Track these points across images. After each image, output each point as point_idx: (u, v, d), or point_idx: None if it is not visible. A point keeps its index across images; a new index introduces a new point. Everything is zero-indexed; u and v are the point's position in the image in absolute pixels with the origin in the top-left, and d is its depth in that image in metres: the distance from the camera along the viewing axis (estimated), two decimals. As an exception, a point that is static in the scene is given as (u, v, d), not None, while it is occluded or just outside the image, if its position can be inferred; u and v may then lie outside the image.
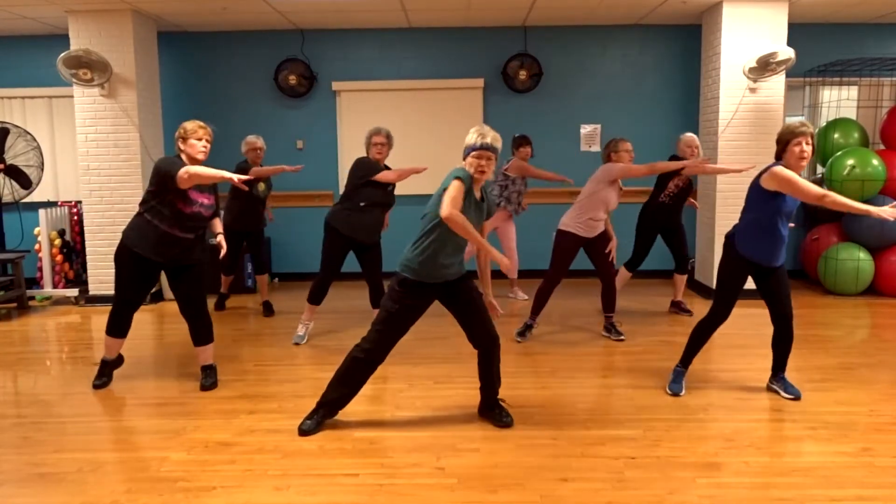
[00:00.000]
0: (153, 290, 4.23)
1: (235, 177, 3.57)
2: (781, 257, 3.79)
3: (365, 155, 4.93)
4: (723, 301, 3.84)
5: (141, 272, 4.00)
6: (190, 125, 3.90)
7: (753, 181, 3.75)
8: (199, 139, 3.86)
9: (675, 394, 3.90)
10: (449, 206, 3.12)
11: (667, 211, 5.65)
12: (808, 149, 3.56)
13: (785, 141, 3.63)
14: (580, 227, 4.94)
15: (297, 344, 5.07)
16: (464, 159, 3.29)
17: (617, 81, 7.40)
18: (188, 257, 4.03)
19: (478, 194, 3.34)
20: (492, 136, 3.23)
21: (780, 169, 3.58)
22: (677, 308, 5.98)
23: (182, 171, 3.66)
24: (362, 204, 4.85)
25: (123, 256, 3.99)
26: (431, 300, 3.42)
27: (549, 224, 7.42)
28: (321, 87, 7.41)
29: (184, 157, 3.89)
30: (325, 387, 3.51)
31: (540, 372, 4.41)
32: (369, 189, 4.85)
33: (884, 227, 6.35)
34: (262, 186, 5.88)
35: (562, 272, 5.00)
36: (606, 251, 5.02)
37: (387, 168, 4.96)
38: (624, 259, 5.90)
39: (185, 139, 3.87)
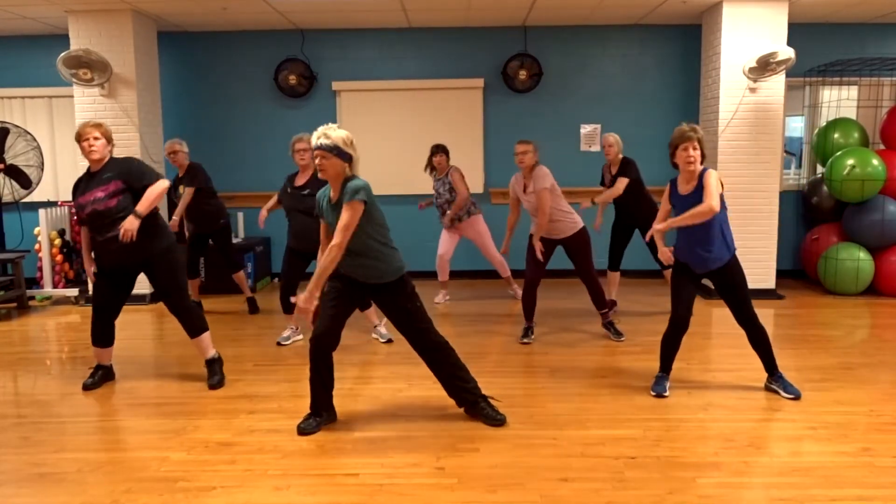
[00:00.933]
0: (127, 296, 4.14)
1: (88, 269, 4.04)
2: (710, 261, 3.78)
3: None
4: (674, 305, 3.89)
5: (103, 280, 4.03)
6: (81, 126, 3.93)
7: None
8: (86, 140, 3.88)
9: (660, 395, 3.90)
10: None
11: (624, 210, 5.63)
12: (694, 154, 3.63)
13: (674, 146, 3.72)
14: (545, 229, 4.95)
15: (280, 344, 5.08)
16: None
17: (617, 81, 7.40)
18: (135, 257, 3.95)
19: (334, 195, 3.39)
20: (319, 132, 3.28)
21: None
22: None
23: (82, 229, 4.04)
24: (288, 217, 4.96)
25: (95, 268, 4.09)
26: (353, 293, 3.53)
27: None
28: (321, 87, 7.41)
29: None
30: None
31: (540, 372, 4.41)
32: (283, 200, 4.98)
33: (884, 227, 6.36)
34: (181, 189, 5.83)
35: (535, 274, 4.99)
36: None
37: (314, 174, 4.91)
38: (604, 261, 5.91)
39: (77, 142, 3.94)
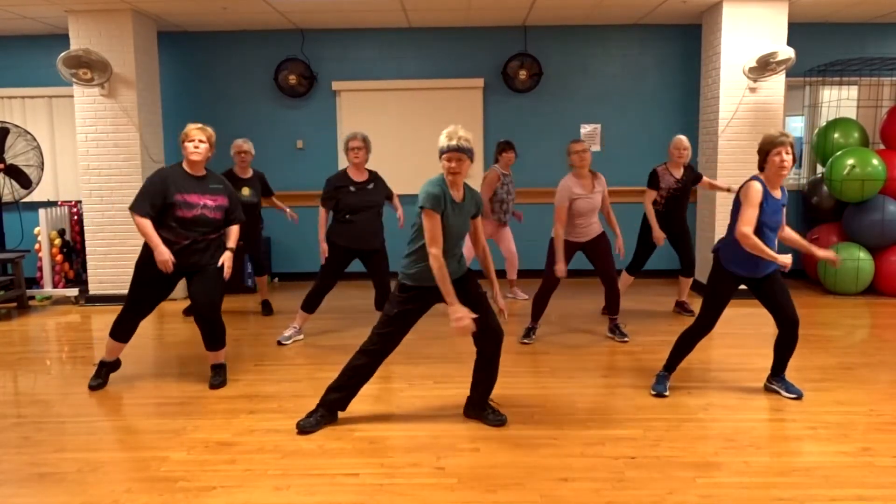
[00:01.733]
0: (166, 297, 4.16)
1: (163, 256, 3.85)
2: (769, 266, 3.76)
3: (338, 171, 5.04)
4: (709, 313, 3.84)
5: (157, 282, 4.01)
6: (188, 127, 3.96)
7: (736, 195, 3.76)
8: (191, 140, 3.91)
9: (660, 394, 3.90)
10: (430, 246, 3.20)
11: (664, 217, 5.56)
12: (787, 158, 3.59)
13: (765, 151, 3.66)
14: (568, 232, 4.92)
15: (280, 343, 5.08)
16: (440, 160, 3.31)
17: (617, 81, 7.40)
18: (200, 261, 4.01)
19: (458, 195, 3.33)
20: (458, 138, 3.20)
21: (751, 185, 3.63)
22: (681, 308, 5.98)
23: (135, 216, 3.88)
24: (347, 216, 4.86)
25: (142, 266, 4.01)
26: (433, 303, 3.42)
27: (547, 224, 7.41)
28: (321, 86, 7.41)
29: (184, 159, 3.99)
30: (326, 387, 3.52)
31: (540, 372, 4.41)
32: (344, 199, 4.86)
33: (884, 227, 6.36)
34: (246, 191, 5.82)
35: (556, 279, 4.96)
36: (615, 251, 5.02)
37: (370, 173, 4.97)
38: (626, 262, 5.88)
39: (182, 141, 3.96)
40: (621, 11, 6.70)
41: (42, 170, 6.73)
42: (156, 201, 3.88)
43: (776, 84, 6.38)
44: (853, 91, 7.20)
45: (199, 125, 3.98)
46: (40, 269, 6.74)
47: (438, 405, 3.77)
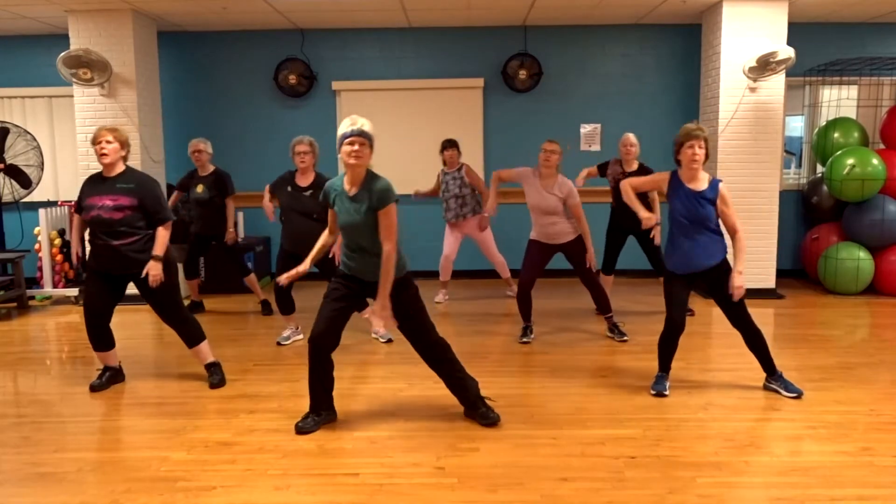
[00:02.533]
0: (118, 300, 4.12)
1: (74, 250, 4.12)
2: (699, 261, 3.80)
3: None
4: (669, 310, 3.92)
5: (93, 284, 4.01)
6: (97, 129, 3.96)
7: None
8: (97, 143, 3.89)
9: (660, 393, 3.90)
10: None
11: (625, 215, 5.50)
12: (700, 152, 3.67)
13: (679, 143, 3.74)
14: (538, 234, 5.00)
15: (279, 344, 5.08)
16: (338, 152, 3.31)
17: (617, 81, 7.39)
18: (126, 266, 3.92)
19: (352, 189, 3.32)
20: (363, 122, 3.22)
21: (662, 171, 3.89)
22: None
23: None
24: (282, 218, 4.96)
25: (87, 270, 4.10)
26: (358, 294, 3.52)
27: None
28: (321, 86, 7.41)
29: None
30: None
31: (540, 372, 4.41)
32: (281, 199, 4.94)
33: (884, 227, 6.35)
34: (199, 188, 5.83)
35: (529, 276, 5.01)
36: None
37: (317, 174, 5.01)
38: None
39: (91, 145, 3.98)
40: (621, 11, 6.70)
41: (42, 170, 6.73)
42: (81, 203, 3.98)
43: (776, 84, 6.38)
44: (853, 91, 7.19)
45: (110, 125, 4.00)
46: (40, 269, 6.74)
47: (438, 405, 3.77)
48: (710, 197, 3.75)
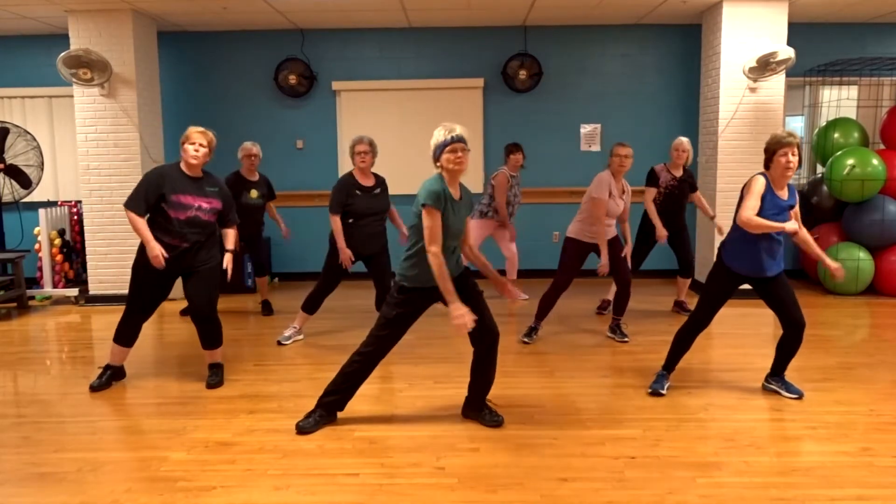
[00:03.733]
0: (165, 299, 4.16)
1: (154, 251, 3.82)
2: (774, 267, 3.76)
3: (346, 173, 4.94)
4: (706, 309, 3.85)
5: (153, 281, 4.00)
6: (190, 129, 3.96)
7: (741, 192, 3.76)
8: (192, 143, 3.89)
9: (656, 392, 3.90)
10: (430, 244, 3.19)
11: (661, 216, 5.57)
12: (794, 159, 3.58)
13: (772, 151, 3.65)
14: (586, 234, 4.93)
15: (280, 343, 5.08)
16: (435, 161, 3.27)
17: (617, 81, 7.40)
18: (192, 264, 4.00)
19: (456, 193, 3.32)
20: (460, 129, 3.23)
21: (755, 178, 3.65)
22: (680, 308, 5.98)
23: (129, 213, 3.87)
24: (350, 220, 4.82)
25: (137, 267, 4.02)
26: (431, 303, 3.42)
27: (547, 224, 7.47)
28: (321, 86, 7.41)
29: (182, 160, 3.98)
30: (324, 387, 3.52)
31: (540, 372, 4.41)
32: (350, 204, 4.79)
33: (884, 227, 6.35)
34: (254, 194, 5.81)
35: (568, 279, 4.98)
36: (622, 255, 5.03)
37: (376, 177, 4.93)
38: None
39: (182, 143, 3.95)
40: (621, 11, 6.70)
41: (42, 170, 6.73)
42: (150, 199, 3.87)
43: (776, 84, 6.38)
44: (853, 91, 7.19)
45: (202, 129, 3.97)
46: (40, 269, 6.74)
47: (438, 405, 3.77)
48: (792, 204, 3.71)
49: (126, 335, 4.13)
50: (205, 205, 3.96)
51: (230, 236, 4.19)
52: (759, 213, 3.60)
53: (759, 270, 3.74)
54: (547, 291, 5.05)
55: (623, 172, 4.92)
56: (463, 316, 3.17)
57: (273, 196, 6.07)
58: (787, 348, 3.87)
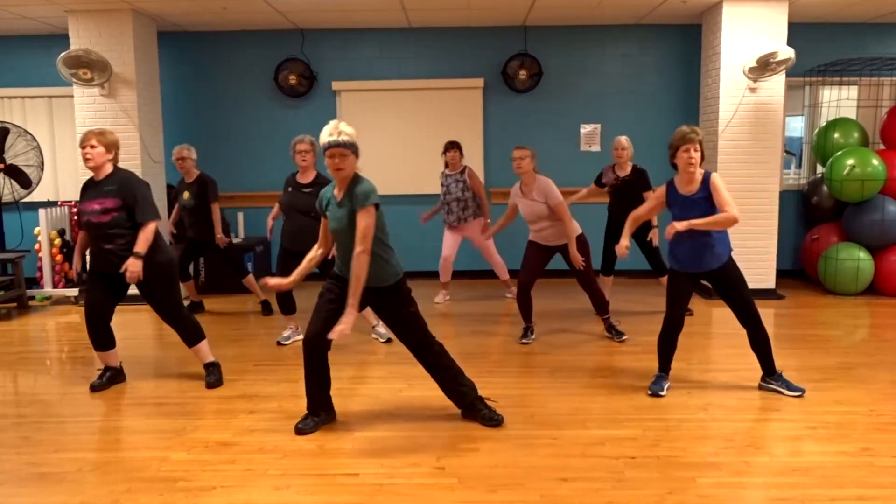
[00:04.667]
0: (120, 299, 4.13)
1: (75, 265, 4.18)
2: (703, 263, 3.80)
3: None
4: (670, 308, 3.94)
5: (94, 284, 4.02)
6: (84, 132, 3.96)
7: None
8: (83, 147, 3.87)
9: (655, 394, 3.90)
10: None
11: (617, 216, 5.63)
12: (695, 156, 3.67)
13: (675, 147, 3.74)
14: (534, 235, 5.04)
15: (280, 344, 5.08)
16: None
17: (617, 81, 7.40)
18: (118, 266, 3.90)
19: (339, 195, 3.34)
20: (340, 130, 3.27)
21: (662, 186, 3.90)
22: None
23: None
24: (283, 216, 5.02)
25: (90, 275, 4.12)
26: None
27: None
28: (321, 87, 7.41)
29: None
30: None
31: (540, 372, 4.41)
32: (283, 197, 5.00)
33: (884, 227, 6.35)
34: (185, 195, 5.84)
35: (528, 277, 5.02)
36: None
37: (317, 174, 4.99)
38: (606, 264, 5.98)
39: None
40: (621, 11, 6.70)
41: (42, 170, 6.73)
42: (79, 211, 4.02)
43: (776, 84, 6.38)
44: (853, 91, 7.19)
45: (97, 129, 3.95)
46: (40, 269, 6.74)
47: (438, 405, 3.77)
48: (704, 195, 3.73)
49: (96, 340, 4.11)
50: (96, 206, 3.86)
51: (140, 237, 3.87)
52: (673, 211, 3.82)
53: (688, 265, 3.83)
54: (517, 292, 5.10)
55: (522, 173, 4.94)
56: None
57: (209, 198, 5.85)
58: (755, 345, 3.93)
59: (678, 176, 3.83)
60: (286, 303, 5.09)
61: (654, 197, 3.99)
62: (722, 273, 3.82)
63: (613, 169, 5.77)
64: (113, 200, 3.87)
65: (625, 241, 3.99)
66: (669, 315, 3.93)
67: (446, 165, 6.29)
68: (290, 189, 4.97)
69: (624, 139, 5.68)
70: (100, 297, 4.03)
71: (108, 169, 3.95)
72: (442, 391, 3.58)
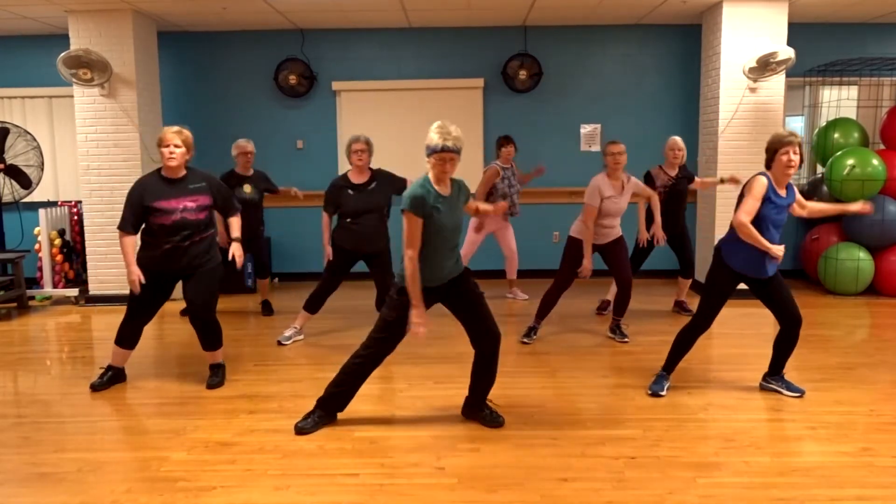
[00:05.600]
0: (166, 300, 4.17)
1: (131, 277, 3.86)
2: (773, 267, 3.75)
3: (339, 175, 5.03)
4: (707, 310, 3.84)
5: (152, 285, 3.99)
6: (164, 131, 3.93)
7: (741, 190, 3.75)
8: (167, 146, 3.87)
9: (655, 394, 3.90)
10: (406, 248, 3.20)
11: (662, 217, 5.54)
12: (795, 158, 3.59)
13: (773, 150, 3.65)
14: (603, 233, 4.95)
15: (280, 343, 5.08)
16: (428, 158, 3.24)
17: (617, 81, 7.40)
18: (191, 265, 3.98)
19: (446, 190, 3.30)
20: (453, 139, 3.15)
21: (757, 178, 3.64)
22: (680, 308, 5.99)
23: (120, 235, 3.91)
24: (348, 220, 4.86)
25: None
26: (431, 304, 3.41)
27: (547, 224, 7.47)
28: (321, 87, 7.41)
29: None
30: (325, 387, 3.52)
31: (540, 372, 4.41)
32: (344, 203, 4.85)
33: (884, 227, 6.36)
34: (247, 188, 5.82)
35: (570, 279, 4.98)
36: (640, 243, 5.34)
37: (372, 172, 4.93)
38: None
39: (158, 147, 3.94)
40: (621, 11, 6.70)
41: (42, 170, 6.73)
42: (137, 214, 3.90)
43: (776, 84, 6.38)
44: (853, 91, 7.19)
45: (177, 128, 3.94)
46: (40, 269, 6.74)
47: (438, 405, 3.77)
48: (791, 202, 3.73)
49: (127, 338, 4.14)
50: (190, 204, 3.91)
51: (233, 225, 4.15)
52: (760, 213, 3.61)
53: (759, 271, 3.73)
54: (549, 290, 5.05)
55: (619, 170, 4.90)
56: (420, 325, 3.20)
57: (275, 189, 6.08)
58: (784, 345, 3.88)
59: (773, 178, 3.65)
60: (318, 304, 5.05)
61: (761, 193, 3.59)
62: (777, 276, 3.79)
63: (664, 170, 5.67)
64: (206, 198, 3.98)
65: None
66: (701, 319, 3.85)
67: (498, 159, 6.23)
68: (350, 191, 4.86)
69: (679, 140, 5.63)
70: (151, 299, 4.03)
71: (184, 168, 3.98)
72: (475, 374, 3.52)
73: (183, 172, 3.97)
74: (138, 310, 4.06)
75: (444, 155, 3.16)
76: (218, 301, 4.21)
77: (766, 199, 3.61)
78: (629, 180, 5.00)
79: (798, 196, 3.82)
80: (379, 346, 3.40)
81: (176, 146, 3.87)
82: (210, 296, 4.08)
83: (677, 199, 5.65)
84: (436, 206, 3.21)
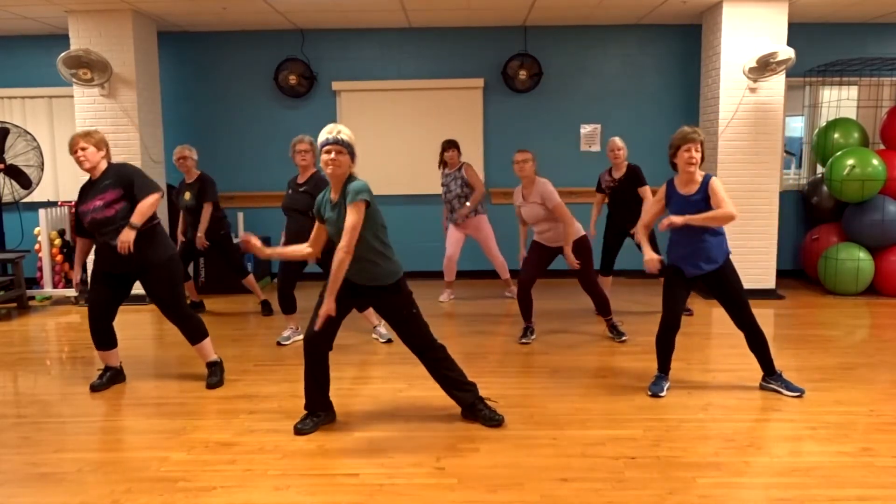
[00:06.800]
0: (123, 299, 4.15)
1: (72, 277, 4.15)
2: (699, 266, 3.81)
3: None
4: (665, 308, 3.94)
5: (98, 283, 4.02)
6: (72, 137, 3.93)
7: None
8: (75, 153, 3.88)
9: (655, 395, 3.90)
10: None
11: (621, 215, 5.69)
12: (696, 155, 3.68)
13: (676, 146, 3.75)
14: (538, 236, 5.05)
15: (280, 344, 5.09)
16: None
17: (617, 81, 7.40)
18: (133, 265, 3.93)
19: (334, 196, 3.34)
20: (338, 131, 3.29)
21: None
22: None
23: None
24: (284, 216, 5.03)
25: (93, 273, 4.11)
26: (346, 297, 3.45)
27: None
28: (321, 87, 7.41)
29: None
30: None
31: (540, 372, 4.41)
32: (284, 200, 5.03)
33: (884, 227, 6.35)
34: (186, 195, 5.85)
35: (529, 276, 5.03)
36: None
37: (314, 173, 4.98)
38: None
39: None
40: (621, 11, 6.70)
41: (42, 170, 6.74)
42: (79, 218, 4.01)
43: (776, 84, 6.38)
44: (853, 91, 7.19)
45: (83, 131, 3.94)
46: (40, 269, 6.74)
47: (438, 405, 3.77)
48: (703, 197, 3.74)
49: (99, 339, 4.12)
50: (98, 203, 3.88)
51: (137, 208, 3.84)
52: (671, 210, 3.82)
53: (689, 268, 3.83)
54: (517, 291, 5.11)
55: (524, 177, 4.96)
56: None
57: (208, 197, 5.85)
58: (753, 347, 3.94)
59: (678, 176, 3.84)
60: (287, 302, 5.09)
61: (656, 200, 3.98)
62: (717, 275, 3.83)
63: (610, 172, 5.77)
64: (113, 192, 3.89)
65: (652, 255, 3.92)
66: (664, 315, 3.94)
67: (444, 165, 6.32)
68: (290, 191, 5.01)
69: (618, 140, 5.67)
70: (104, 296, 4.03)
71: (103, 166, 3.96)
72: (443, 391, 3.58)
73: (101, 172, 3.95)
74: (94, 310, 4.05)
75: (329, 147, 3.29)
76: (183, 293, 4.21)
77: (669, 200, 3.84)
78: (537, 188, 4.91)
79: (714, 195, 3.68)
80: (430, 333, 3.50)
81: (83, 149, 3.86)
82: (172, 290, 4.05)
83: (621, 198, 5.68)
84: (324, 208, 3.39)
